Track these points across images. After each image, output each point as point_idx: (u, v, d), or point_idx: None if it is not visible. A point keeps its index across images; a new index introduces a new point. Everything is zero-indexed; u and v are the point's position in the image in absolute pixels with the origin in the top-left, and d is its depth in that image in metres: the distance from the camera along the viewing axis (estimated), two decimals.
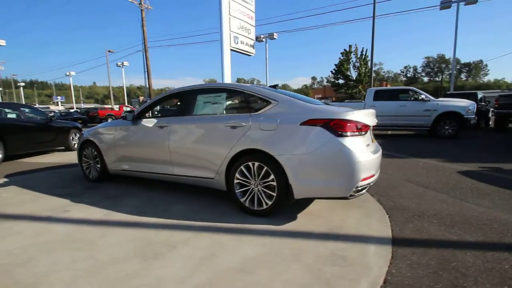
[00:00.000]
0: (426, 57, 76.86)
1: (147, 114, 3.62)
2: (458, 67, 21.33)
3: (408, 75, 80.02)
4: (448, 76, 65.16)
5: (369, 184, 2.44)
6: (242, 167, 2.66)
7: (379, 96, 9.63)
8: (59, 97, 50.86)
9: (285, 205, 2.69)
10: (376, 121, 2.85)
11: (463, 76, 69.87)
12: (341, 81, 32.72)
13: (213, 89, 3.28)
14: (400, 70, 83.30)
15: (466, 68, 70.47)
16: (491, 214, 2.67)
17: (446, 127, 8.60)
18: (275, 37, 22.36)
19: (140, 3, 22.68)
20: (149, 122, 3.40)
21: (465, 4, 16.12)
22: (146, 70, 25.26)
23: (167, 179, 3.35)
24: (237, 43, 10.67)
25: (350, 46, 30.94)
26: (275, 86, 3.33)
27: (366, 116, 2.55)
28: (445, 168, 4.69)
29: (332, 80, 35.06)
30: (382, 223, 2.52)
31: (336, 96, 33.66)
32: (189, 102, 3.26)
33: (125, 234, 2.37)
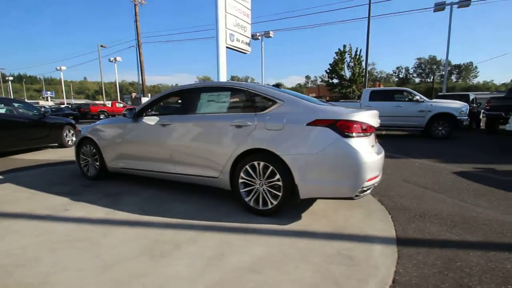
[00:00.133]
0: (418, 58, 78.10)
1: (148, 112, 3.56)
2: (448, 69, 21.84)
3: (400, 75, 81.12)
4: (439, 77, 66.46)
5: (373, 184, 2.47)
6: (247, 166, 2.66)
7: (375, 96, 9.74)
8: (48, 92, 49.82)
9: (288, 205, 2.71)
10: (379, 122, 2.88)
11: (453, 77, 71.25)
12: (335, 81, 32.93)
13: (217, 88, 3.26)
14: (393, 70, 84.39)
15: (457, 70, 71.88)
16: (489, 215, 2.74)
17: (440, 128, 8.76)
18: (271, 35, 22.34)
19: None
20: (150, 120, 3.35)
21: (458, 7, 16.42)
22: (139, 66, 24.95)
23: (169, 178, 3.32)
24: (233, 40, 10.61)
25: (344, 46, 31.16)
26: (278, 86, 3.33)
27: (371, 117, 2.57)
28: (441, 168, 4.79)
29: (327, 79, 35.27)
30: (385, 223, 2.56)
31: (330, 95, 33.88)
32: (192, 101, 3.23)
33: (129, 233, 2.34)
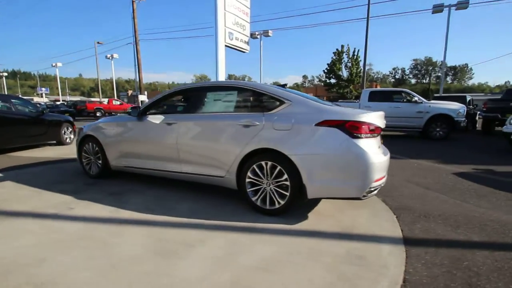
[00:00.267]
0: (414, 59, 78.72)
1: (152, 110, 3.54)
2: (444, 70, 22.09)
3: (397, 76, 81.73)
4: (434, 79, 67.09)
5: (380, 185, 2.50)
6: (254, 166, 2.66)
7: (374, 97, 9.81)
8: (43, 89, 49.11)
9: (295, 205, 2.72)
10: (385, 123, 2.91)
11: (448, 79, 71.98)
12: (333, 81, 33.06)
13: (224, 87, 3.26)
14: (389, 71, 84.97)
15: (452, 71, 72.63)
16: (491, 215, 2.79)
17: (438, 129, 8.86)
18: (270, 34, 22.33)
19: None
20: (156, 119, 3.34)
21: (456, 9, 16.60)
22: (136, 63, 24.73)
23: (174, 177, 3.31)
24: (232, 39, 10.58)
25: (342, 46, 31.30)
26: (284, 86, 3.34)
27: (378, 118, 2.60)
28: (441, 169, 4.85)
29: (324, 79, 35.39)
30: (391, 223, 2.59)
31: (328, 95, 33.99)
32: (199, 100, 3.22)
33: (137, 232, 2.34)
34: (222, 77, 10.28)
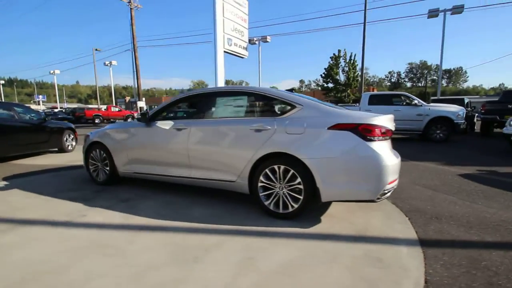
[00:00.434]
0: (409, 63, 79.73)
1: (161, 116, 3.56)
2: (441, 73, 22.45)
3: (393, 80, 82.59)
4: (430, 82, 67.83)
5: (393, 187, 2.52)
6: (267, 170, 2.68)
7: (374, 100, 9.90)
8: (40, 96, 48.97)
9: (307, 208, 2.73)
10: (395, 125, 2.95)
11: (444, 82, 72.87)
12: (330, 85, 33.31)
13: (234, 92, 3.29)
14: (385, 75, 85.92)
15: (447, 75, 73.59)
16: (502, 216, 2.82)
17: (438, 132, 8.94)
18: (268, 40, 22.56)
19: (129, 2, 22.20)
20: (165, 124, 3.35)
21: (451, 14, 16.93)
22: (135, 70, 24.78)
23: (184, 182, 3.31)
24: (231, 45, 10.71)
25: (339, 51, 31.64)
26: (291, 90, 3.38)
27: (388, 121, 2.64)
28: (445, 171, 4.89)
29: (321, 83, 35.65)
30: (404, 225, 2.61)
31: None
32: (209, 105, 3.25)
33: (153, 238, 2.33)
34: (221, 82, 10.35)
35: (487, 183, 4.05)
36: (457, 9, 16.53)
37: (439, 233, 2.43)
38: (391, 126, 2.67)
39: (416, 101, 9.28)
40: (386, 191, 2.42)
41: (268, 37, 22.53)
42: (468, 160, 5.96)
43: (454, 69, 73.06)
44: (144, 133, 3.53)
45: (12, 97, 72.83)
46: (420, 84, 73.50)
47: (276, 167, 2.64)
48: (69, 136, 7.64)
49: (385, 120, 2.55)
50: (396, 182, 2.57)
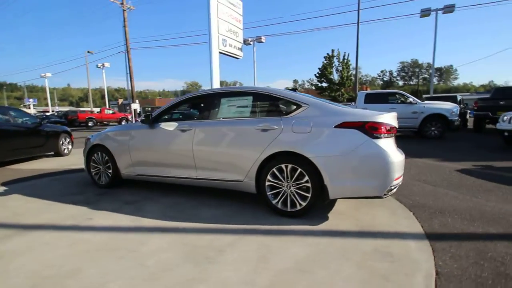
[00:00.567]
0: (401, 62, 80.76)
1: (164, 117, 3.55)
2: (430, 72, 22.98)
3: (385, 78, 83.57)
4: (421, 80, 68.88)
5: (398, 183, 2.57)
6: (274, 169, 2.70)
7: (370, 99, 10.03)
8: (31, 100, 48.01)
9: (314, 206, 2.76)
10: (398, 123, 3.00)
11: (435, 79, 74.02)
12: (324, 84, 33.56)
13: (239, 93, 3.30)
14: (377, 74, 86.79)
15: (438, 72, 74.74)
16: (502, 208, 2.90)
17: (433, 129, 9.11)
18: (263, 40, 22.61)
19: (122, 3, 21.98)
20: (169, 126, 3.35)
21: (443, 13, 17.26)
22: (128, 72, 24.55)
23: (189, 183, 3.31)
24: (226, 46, 10.73)
25: (332, 51, 31.92)
26: (294, 90, 3.41)
27: (393, 118, 2.69)
28: (443, 167, 4.99)
29: (315, 83, 35.89)
30: (409, 220, 2.66)
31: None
32: (213, 106, 3.25)
33: (163, 239, 2.33)
34: (216, 83, 10.36)
35: (485, 177, 4.15)
36: (449, 9, 16.89)
37: (444, 226, 2.50)
38: (395, 123, 2.72)
39: (411, 99, 9.43)
40: (392, 187, 2.47)
41: (263, 37, 22.59)
42: (464, 155, 6.09)
43: (444, 67, 74.29)
44: (148, 135, 3.52)
45: (1, 101, 71.25)
46: (412, 83, 74.55)
47: (283, 166, 2.66)
48: (65, 139, 7.54)
49: (390, 118, 2.60)
50: (401, 179, 2.63)
